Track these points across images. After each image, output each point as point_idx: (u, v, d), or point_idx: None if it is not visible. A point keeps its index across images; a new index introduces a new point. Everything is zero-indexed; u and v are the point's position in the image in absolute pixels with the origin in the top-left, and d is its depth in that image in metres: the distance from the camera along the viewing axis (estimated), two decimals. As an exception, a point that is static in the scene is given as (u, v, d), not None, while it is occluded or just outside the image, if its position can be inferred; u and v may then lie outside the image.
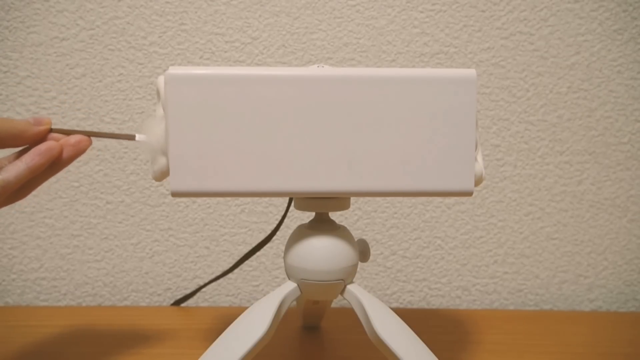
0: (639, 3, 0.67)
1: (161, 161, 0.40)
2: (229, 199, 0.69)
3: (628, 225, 0.71)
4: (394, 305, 0.72)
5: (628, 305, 0.73)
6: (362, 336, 0.44)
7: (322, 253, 0.42)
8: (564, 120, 0.69)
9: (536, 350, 0.57)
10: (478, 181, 0.41)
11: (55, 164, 0.42)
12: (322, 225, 0.44)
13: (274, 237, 0.57)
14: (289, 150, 0.39)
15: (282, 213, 0.55)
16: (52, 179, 0.67)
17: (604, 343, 0.59)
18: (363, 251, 0.46)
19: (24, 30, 0.65)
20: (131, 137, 0.42)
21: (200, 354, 0.42)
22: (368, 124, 0.39)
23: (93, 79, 0.66)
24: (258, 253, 0.60)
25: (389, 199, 0.70)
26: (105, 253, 0.70)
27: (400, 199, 0.70)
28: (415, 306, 0.72)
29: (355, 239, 0.46)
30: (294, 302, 0.45)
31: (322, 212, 0.45)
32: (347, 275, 0.43)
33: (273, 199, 0.69)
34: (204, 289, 0.70)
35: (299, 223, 0.47)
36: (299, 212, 0.66)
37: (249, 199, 0.69)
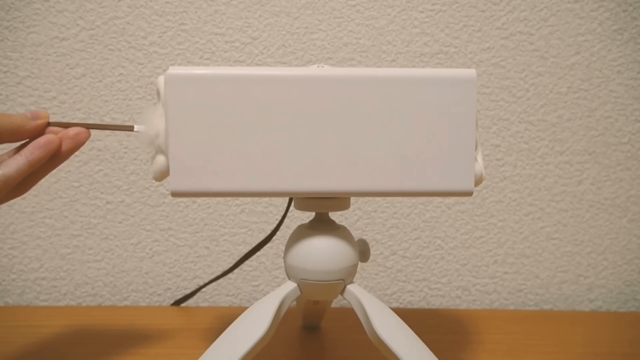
0: (639, 3, 0.67)
1: (161, 161, 0.40)
2: (229, 199, 0.69)
3: (628, 225, 0.71)
4: (394, 305, 0.72)
5: (628, 305, 0.73)
6: (362, 336, 0.44)
7: (322, 253, 0.42)
8: (564, 120, 0.69)
9: (536, 350, 0.57)
10: (478, 181, 0.41)
11: (55, 157, 0.42)
12: (322, 225, 0.44)
13: (274, 237, 0.57)
14: (289, 150, 0.39)
15: (282, 213, 0.55)
16: (52, 179, 0.68)
17: (604, 343, 0.59)
18: (363, 251, 0.46)
19: (24, 30, 0.65)
20: (130, 128, 0.42)
21: (200, 354, 0.42)
22: (368, 124, 0.39)
23: (93, 79, 0.67)
24: (258, 253, 0.60)
25: (389, 199, 0.70)
26: (105, 253, 0.70)
27: (400, 199, 0.70)
28: (415, 306, 0.72)
29: (355, 239, 0.46)
30: (294, 302, 0.45)
31: (322, 212, 0.45)
32: (347, 275, 0.43)
33: (273, 199, 0.69)
34: (204, 289, 0.70)
35: (299, 223, 0.47)
36: (299, 212, 0.66)
37: (249, 199, 0.69)
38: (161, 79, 0.40)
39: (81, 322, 0.61)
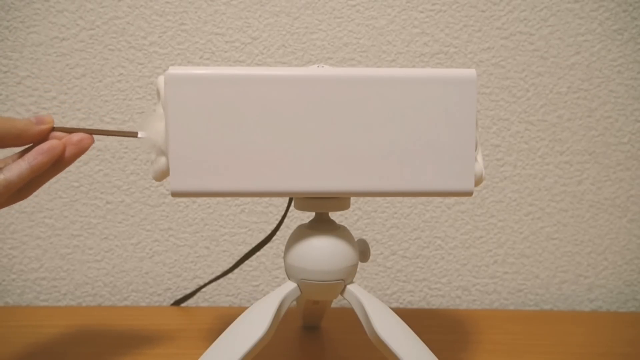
0: (639, 3, 0.67)
1: (161, 161, 0.40)
2: (229, 199, 0.69)
3: (628, 225, 0.71)
4: (394, 305, 0.72)
5: (628, 305, 0.73)
6: (362, 336, 0.44)
7: (322, 253, 0.42)
8: (564, 120, 0.69)
9: (536, 350, 0.57)
10: (478, 181, 0.41)
11: (57, 163, 0.42)
12: (322, 225, 0.44)
13: (274, 237, 0.57)
14: (289, 150, 0.39)
15: (282, 213, 0.55)
16: (52, 179, 0.67)
17: (604, 343, 0.59)
18: (363, 251, 0.46)
19: (24, 30, 0.65)
20: (133, 134, 0.42)
21: (200, 354, 0.42)
22: (368, 124, 0.39)
23: (93, 79, 0.66)
24: (258, 253, 0.60)
25: (389, 199, 0.70)
26: (105, 253, 0.70)
27: (400, 199, 0.70)
28: (415, 306, 0.72)
29: (355, 239, 0.46)
30: (294, 302, 0.45)
31: (322, 212, 0.45)
32: (347, 275, 0.43)
33: (273, 199, 0.69)
34: (204, 289, 0.70)
35: (299, 223, 0.47)
36: (299, 212, 0.66)
37: (249, 199, 0.69)
38: (161, 79, 0.40)
39: (81, 322, 0.61)
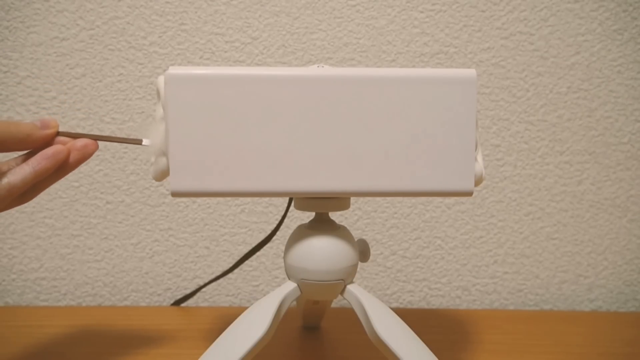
0: (639, 3, 0.67)
1: (161, 161, 0.40)
2: (229, 199, 0.69)
3: (628, 225, 0.71)
4: (394, 305, 0.72)
5: (628, 305, 0.73)
6: (362, 336, 0.44)
7: (322, 253, 0.42)
8: (564, 120, 0.69)
9: (536, 350, 0.57)
10: (478, 181, 0.41)
11: (61, 168, 0.42)
12: (322, 225, 0.44)
13: (274, 237, 0.57)
14: (289, 150, 0.39)
15: (282, 213, 0.55)
16: (52, 179, 0.68)
17: (604, 343, 0.59)
18: (363, 251, 0.46)
19: (24, 30, 0.65)
20: (138, 142, 0.42)
21: (200, 354, 0.42)
22: (368, 124, 0.39)
23: (93, 79, 0.67)
24: (258, 253, 0.60)
25: (389, 199, 0.70)
26: (105, 253, 0.70)
27: (400, 199, 0.70)
28: (415, 306, 0.72)
29: (355, 239, 0.46)
30: (294, 302, 0.45)
31: (322, 212, 0.45)
32: (347, 275, 0.43)
33: (273, 199, 0.69)
34: (204, 289, 0.70)
35: (299, 223, 0.47)
36: (299, 212, 0.66)
37: (249, 199, 0.69)
38: (161, 79, 0.40)
39: (81, 322, 0.61)
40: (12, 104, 0.66)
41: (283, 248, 0.49)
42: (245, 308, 0.43)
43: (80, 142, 0.42)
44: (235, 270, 0.68)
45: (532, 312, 0.69)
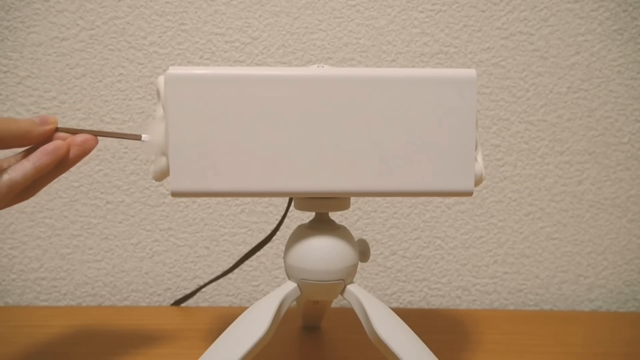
0: (639, 3, 0.67)
1: (161, 161, 0.40)
2: (229, 199, 0.69)
3: (628, 225, 0.71)
4: (394, 305, 0.72)
5: (628, 305, 0.73)
6: (362, 336, 0.44)
7: (322, 253, 0.42)
8: (564, 120, 0.69)
9: (536, 350, 0.57)
10: (478, 181, 0.41)
11: (61, 164, 0.42)
12: (322, 225, 0.44)
13: (274, 237, 0.57)
14: (289, 150, 0.39)
15: (282, 213, 0.55)
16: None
17: (604, 343, 0.59)
18: (363, 251, 0.46)
19: (24, 30, 0.65)
20: (137, 137, 0.42)
21: (200, 354, 0.42)
22: (368, 124, 0.39)
23: (93, 79, 0.67)
24: (258, 253, 0.60)
25: (389, 199, 0.70)
26: (105, 253, 0.70)
27: (400, 199, 0.70)
28: (415, 306, 0.72)
29: (355, 239, 0.46)
30: (294, 302, 0.45)
31: (322, 212, 0.45)
32: (347, 275, 0.43)
33: (273, 199, 0.69)
34: (204, 289, 0.70)
35: (299, 223, 0.47)
36: (299, 212, 0.66)
37: (249, 199, 0.69)
38: (161, 79, 0.40)
39: (81, 322, 0.61)
40: (12, 104, 0.66)
41: (283, 248, 0.49)
42: (245, 308, 0.43)
43: (80, 137, 0.42)
44: (235, 270, 0.68)
45: (532, 312, 0.69)
